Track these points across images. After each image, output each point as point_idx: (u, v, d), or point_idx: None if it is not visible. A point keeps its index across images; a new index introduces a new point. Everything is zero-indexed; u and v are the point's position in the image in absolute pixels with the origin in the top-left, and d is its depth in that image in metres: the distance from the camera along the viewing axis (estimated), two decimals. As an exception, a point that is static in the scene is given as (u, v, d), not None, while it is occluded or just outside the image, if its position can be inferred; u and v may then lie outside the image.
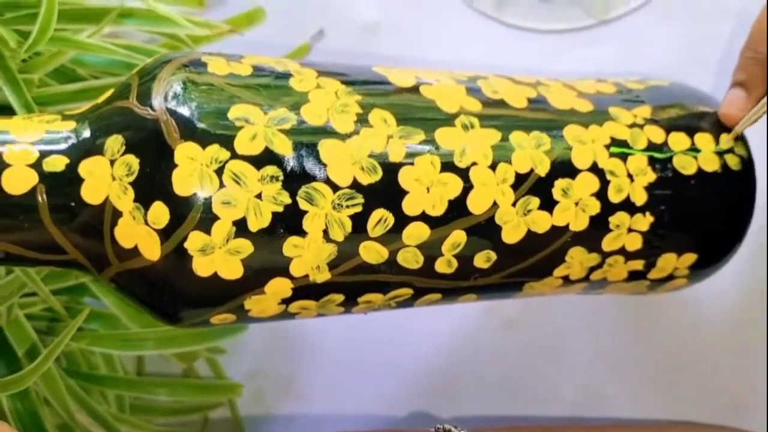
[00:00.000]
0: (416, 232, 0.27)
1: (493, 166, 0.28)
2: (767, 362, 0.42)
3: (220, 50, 0.28)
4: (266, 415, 0.40)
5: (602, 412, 0.42)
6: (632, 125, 0.31)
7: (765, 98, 0.31)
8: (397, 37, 0.42)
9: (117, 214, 0.24)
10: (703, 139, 0.31)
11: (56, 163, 0.25)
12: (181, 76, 0.25)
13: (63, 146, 0.25)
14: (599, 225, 0.30)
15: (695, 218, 0.31)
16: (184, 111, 0.24)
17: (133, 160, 0.24)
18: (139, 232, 0.24)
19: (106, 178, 0.25)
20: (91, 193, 0.25)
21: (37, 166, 0.24)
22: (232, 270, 0.25)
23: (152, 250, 0.24)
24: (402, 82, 0.28)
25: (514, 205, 0.28)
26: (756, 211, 0.32)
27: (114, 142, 0.25)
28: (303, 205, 0.25)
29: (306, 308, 0.27)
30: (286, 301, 0.27)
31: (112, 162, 0.25)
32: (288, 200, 0.25)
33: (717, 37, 0.41)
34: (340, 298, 0.28)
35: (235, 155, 0.24)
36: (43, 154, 0.25)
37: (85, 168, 0.25)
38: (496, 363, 0.42)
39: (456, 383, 0.42)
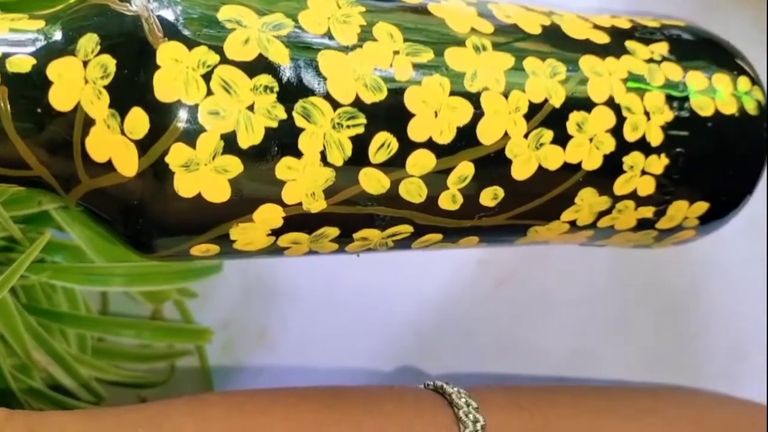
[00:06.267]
0: (421, 161, 0.24)
1: (505, 94, 0.25)
2: (766, 332, 0.41)
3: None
4: (236, 365, 0.37)
5: (592, 373, 0.40)
6: (649, 60, 0.29)
7: None
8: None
9: (89, 123, 0.22)
10: (721, 80, 0.30)
11: (21, 64, 0.22)
12: None
13: (30, 48, 0.22)
14: (613, 165, 0.28)
15: (710, 163, 0.30)
16: (168, 9, 0.22)
17: (110, 61, 0.21)
18: (114, 143, 0.21)
19: (77, 82, 0.22)
20: (60, 99, 0.22)
21: (-2, 65, 0.21)
22: (218, 191, 0.22)
23: (128, 165, 0.22)
24: None
25: (526, 137, 0.26)
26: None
27: (88, 42, 0.22)
28: (299, 121, 0.22)
29: (297, 242, 0.25)
30: (276, 233, 0.24)
31: (85, 63, 0.22)
32: (283, 115, 0.22)
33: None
34: (335, 232, 0.25)
35: (225, 60, 0.22)
36: (6, 55, 0.22)
37: (54, 70, 0.22)
38: (486, 321, 0.40)
39: (442, 340, 0.40)
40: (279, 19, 0.23)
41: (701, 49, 0.30)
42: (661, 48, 0.29)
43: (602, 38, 0.29)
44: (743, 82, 0.30)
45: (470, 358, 0.40)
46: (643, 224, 0.30)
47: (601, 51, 0.28)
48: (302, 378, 0.38)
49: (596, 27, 0.29)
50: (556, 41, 0.27)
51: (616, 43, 0.29)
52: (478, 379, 0.40)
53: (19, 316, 0.30)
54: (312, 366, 0.38)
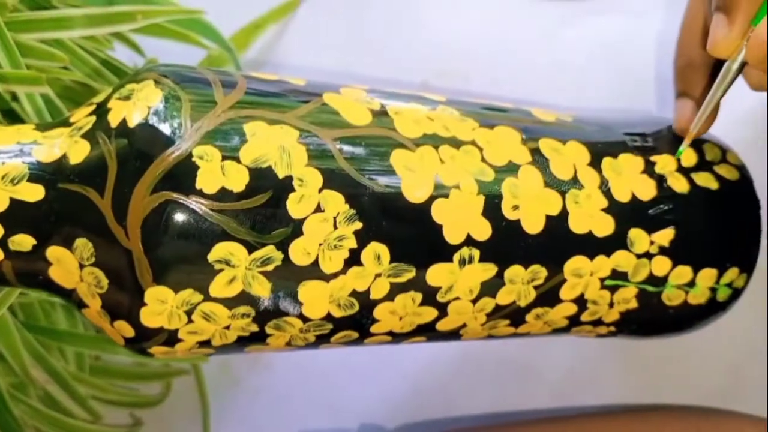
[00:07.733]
0: (378, 340, 0.27)
1: (475, 300, 0.27)
2: (766, 347, 0.40)
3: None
4: (232, 385, 0.37)
5: (586, 393, 0.40)
6: (643, 255, 0.29)
7: (706, 100, 0.29)
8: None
9: (84, 305, 0.24)
10: (706, 276, 0.30)
11: (22, 243, 0.23)
12: (162, 207, 0.22)
13: (29, 222, 0.23)
14: (560, 331, 0.30)
15: (657, 329, 0.32)
16: (160, 250, 0.22)
17: (103, 278, 0.23)
18: (106, 326, 0.25)
19: (74, 274, 0.24)
20: (59, 277, 0.24)
21: (2, 243, 0.23)
22: (192, 357, 0.26)
23: (118, 341, 0.25)
24: (415, 192, 0.25)
25: (483, 325, 0.28)
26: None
27: (84, 247, 0.23)
28: (270, 331, 0.25)
29: None
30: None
31: (81, 265, 0.23)
32: (256, 329, 0.25)
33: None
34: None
35: (208, 298, 0.23)
36: (7, 231, 0.23)
37: (52, 254, 0.23)
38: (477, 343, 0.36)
39: (438, 359, 0.39)
40: (269, 253, 0.23)
41: (708, 241, 0.30)
42: (666, 236, 0.29)
43: (605, 228, 0.28)
44: (730, 274, 0.30)
45: (468, 379, 0.39)
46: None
47: (596, 248, 0.28)
48: (299, 398, 0.38)
49: (610, 207, 0.28)
50: (553, 242, 0.27)
51: (619, 231, 0.28)
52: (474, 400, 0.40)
53: (17, 334, 0.29)
54: (309, 386, 0.38)
